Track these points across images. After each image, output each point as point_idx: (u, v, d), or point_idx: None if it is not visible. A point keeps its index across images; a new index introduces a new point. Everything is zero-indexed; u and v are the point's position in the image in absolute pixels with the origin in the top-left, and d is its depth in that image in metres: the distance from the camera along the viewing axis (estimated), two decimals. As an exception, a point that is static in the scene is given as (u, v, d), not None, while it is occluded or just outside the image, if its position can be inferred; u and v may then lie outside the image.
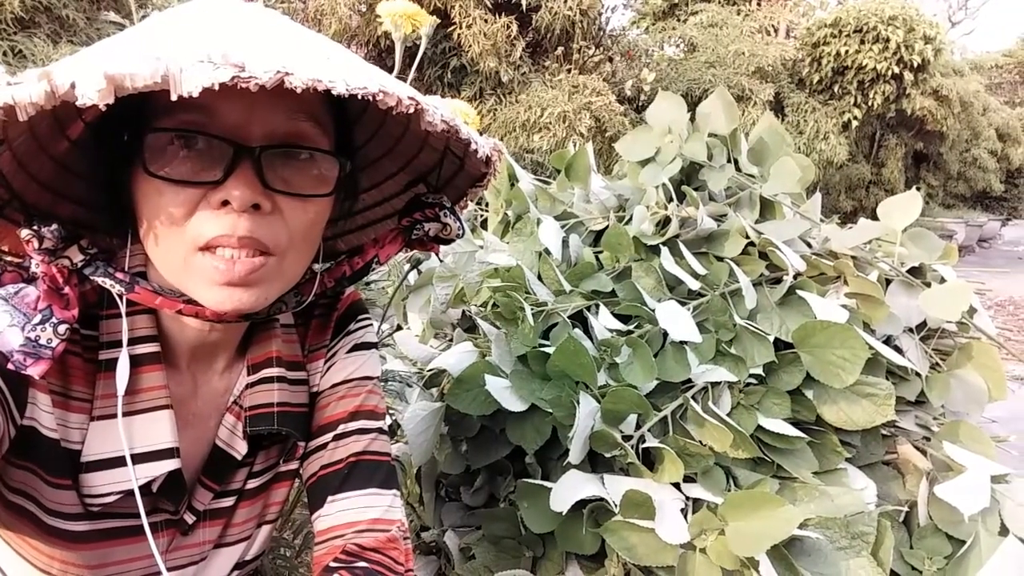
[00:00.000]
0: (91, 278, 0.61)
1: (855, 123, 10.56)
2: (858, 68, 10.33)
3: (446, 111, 0.57)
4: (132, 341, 0.64)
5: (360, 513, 0.74)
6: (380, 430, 0.79)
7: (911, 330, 1.28)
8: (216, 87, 0.44)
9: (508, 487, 1.26)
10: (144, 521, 0.62)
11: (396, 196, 0.80)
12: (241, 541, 0.78)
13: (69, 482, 0.63)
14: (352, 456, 0.76)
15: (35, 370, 0.56)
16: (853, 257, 1.31)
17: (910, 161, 13.41)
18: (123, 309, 0.64)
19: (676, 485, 1.10)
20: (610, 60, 8.82)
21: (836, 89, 10.63)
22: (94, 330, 0.65)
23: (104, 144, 0.60)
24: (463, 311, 1.46)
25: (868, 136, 12.05)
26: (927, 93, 10.87)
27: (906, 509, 1.16)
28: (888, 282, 1.30)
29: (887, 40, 10.09)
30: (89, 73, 0.44)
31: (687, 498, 1.09)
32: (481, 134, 0.66)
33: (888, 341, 1.25)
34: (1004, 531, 1.08)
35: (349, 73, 0.50)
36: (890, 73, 10.24)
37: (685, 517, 1.05)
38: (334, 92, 0.48)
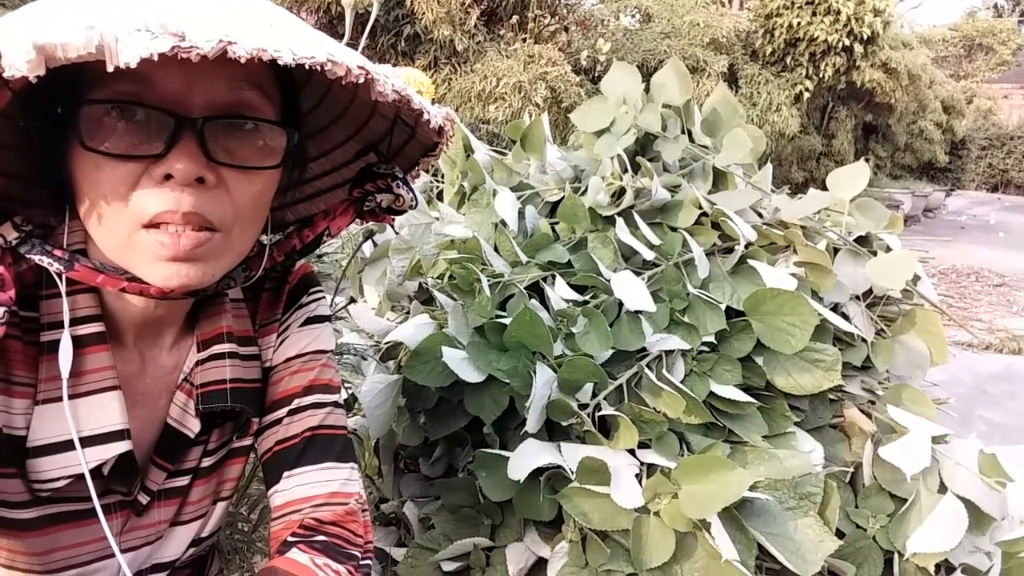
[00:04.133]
0: (27, 257, 0.58)
1: (807, 95, 10.70)
2: (810, 40, 10.44)
3: (397, 81, 0.56)
4: (75, 321, 0.62)
5: (317, 487, 0.73)
6: (335, 404, 0.79)
7: (857, 297, 1.31)
8: (155, 58, 0.42)
9: (466, 457, 1.27)
10: (96, 505, 0.60)
11: (346, 165, 0.78)
12: (197, 519, 0.77)
13: (14, 470, 0.61)
14: (307, 431, 0.75)
15: None
16: (802, 227, 1.33)
17: (860, 133, 13.67)
18: (63, 288, 0.61)
19: (631, 451, 1.12)
20: (566, 30, 8.75)
21: (788, 61, 10.74)
22: (34, 311, 0.62)
23: (35, 116, 0.57)
24: (420, 283, 1.45)
25: (819, 108, 12.23)
26: (876, 65, 11.05)
27: (852, 470, 1.21)
28: (836, 251, 1.33)
29: (838, 12, 10.21)
30: (17, 42, 0.41)
31: (641, 464, 1.11)
32: (435, 104, 0.65)
33: (835, 308, 1.29)
34: (943, 489, 1.13)
35: (295, 41, 0.48)
36: (840, 45, 10.37)
37: (639, 482, 1.07)
38: (280, 62, 0.46)
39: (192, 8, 0.48)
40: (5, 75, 0.41)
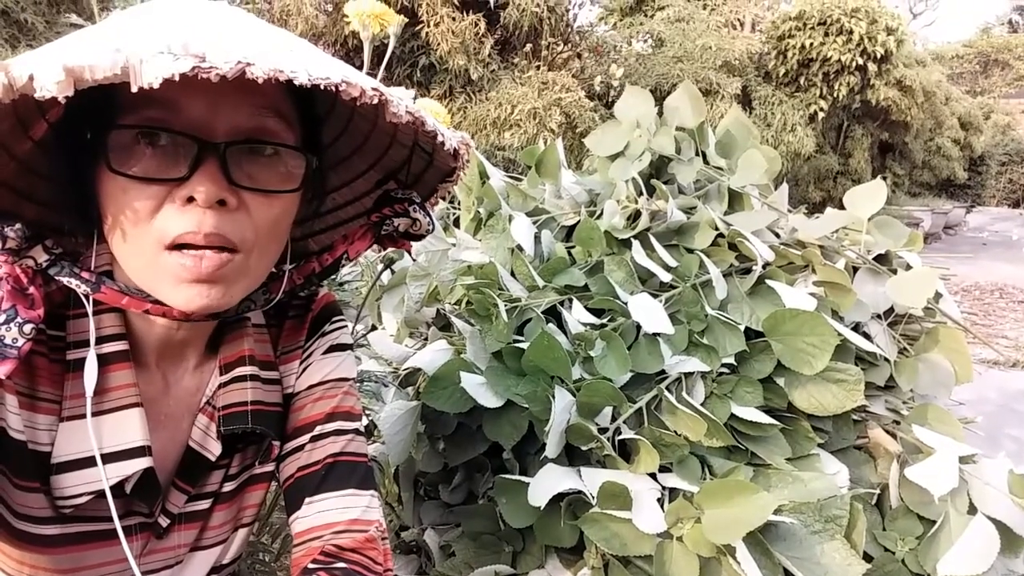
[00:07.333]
0: (56, 278, 0.60)
1: (821, 114, 10.70)
2: (823, 60, 10.46)
3: (411, 102, 0.57)
4: (100, 340, 0.64)
5: (338, 514, 0.74)
6: (357, 431, 0.79)
7: (879, 316, 1.30)
8: (177, 78, 0.44)
9: (486, 483, 1.26)
10: (116, 523, 0.61)
11: (367, 195, 0.79)
12: (217, 545, 0.77)
13: (37, 484, 0.62)
14: (329, 457, 0.76)
15: (1, 370, 0.55)
16: (820, 246, 1.33)
17: (876, 151, 13.63)
18: (89, 309, 0.63)
19: (652, 475, 1.11)
20: (579, 56, 8.83)
21: (802, 81, 10.76)
22: (61, 330, 0.64)
23: (67, 143, 0.59)
24: (437, 309, 1.46)
25: (835, 127, 12.22)
26: (891, 84, 11.04)
27: (878, 492, 1.18)
28: (855, 270, 1.32)
29: (850, 32, 10.23)
30: (48, 65, 0.43)
31: (663, 488, 1.10)
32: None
33: (857, 328, 1.27)
34: (972, 510, 1.10)
35: (311, 64, 0.50)
36: (854, 64, 10.38)
37: (662, 507, 1.06)
38: (296, 82, 0.48)
39: (214, 34, 0.49)
40: (36, 95, 0.43)
